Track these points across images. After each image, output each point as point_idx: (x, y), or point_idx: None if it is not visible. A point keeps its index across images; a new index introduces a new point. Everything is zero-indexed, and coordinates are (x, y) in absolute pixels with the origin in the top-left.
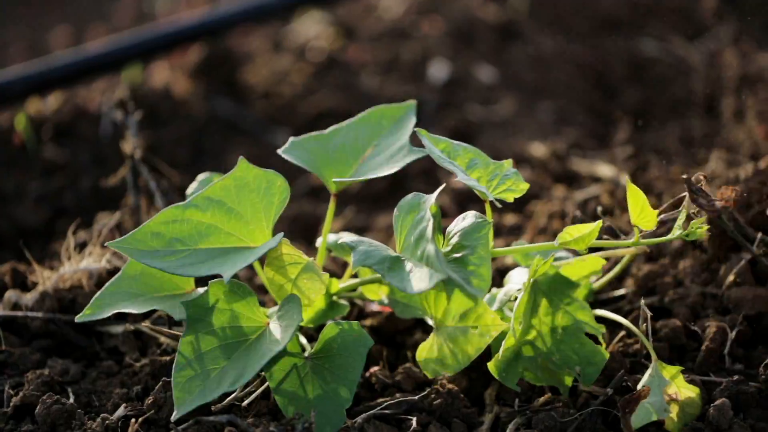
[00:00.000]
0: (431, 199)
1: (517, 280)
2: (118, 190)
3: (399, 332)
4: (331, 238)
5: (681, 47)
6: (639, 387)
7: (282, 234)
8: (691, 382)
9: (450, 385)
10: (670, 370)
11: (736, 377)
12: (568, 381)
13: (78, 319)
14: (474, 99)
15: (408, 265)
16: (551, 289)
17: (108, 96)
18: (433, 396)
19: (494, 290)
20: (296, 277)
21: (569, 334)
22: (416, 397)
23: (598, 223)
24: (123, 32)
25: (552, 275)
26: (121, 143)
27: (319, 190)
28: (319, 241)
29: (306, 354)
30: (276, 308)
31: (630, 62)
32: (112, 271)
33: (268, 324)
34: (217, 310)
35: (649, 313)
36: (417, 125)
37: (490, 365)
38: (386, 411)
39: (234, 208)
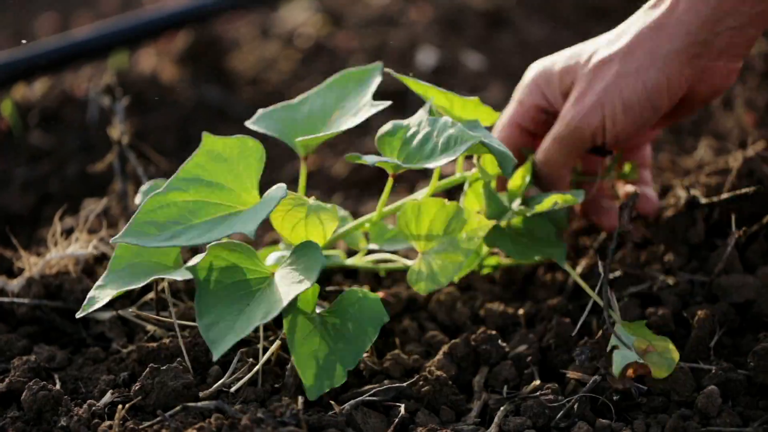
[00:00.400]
0: (423, 109)
1: None
2: (105, 176)
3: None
4: None
5: None
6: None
7: (284, 185)
8: (680, 369)
9: (438, 372)
10: (632, 327)
11: (725, 365)
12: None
13: (79, 315)
14: (462, 86)
15: (422, 158)
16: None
17: (95, 82)
18: (421, 383)
19: None
20: (306, 215)
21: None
22: (404, 384)
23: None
24: (109, 18)
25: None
26: (108, 129)
27: (309, 175)
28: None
29: (318, 311)
30: (278, 254)
31: None
32: (99, 257)
33: (274, 274)
34: (221, 268)
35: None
36: (405, 113)
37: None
38: (374, 398)
39: (213, 180)
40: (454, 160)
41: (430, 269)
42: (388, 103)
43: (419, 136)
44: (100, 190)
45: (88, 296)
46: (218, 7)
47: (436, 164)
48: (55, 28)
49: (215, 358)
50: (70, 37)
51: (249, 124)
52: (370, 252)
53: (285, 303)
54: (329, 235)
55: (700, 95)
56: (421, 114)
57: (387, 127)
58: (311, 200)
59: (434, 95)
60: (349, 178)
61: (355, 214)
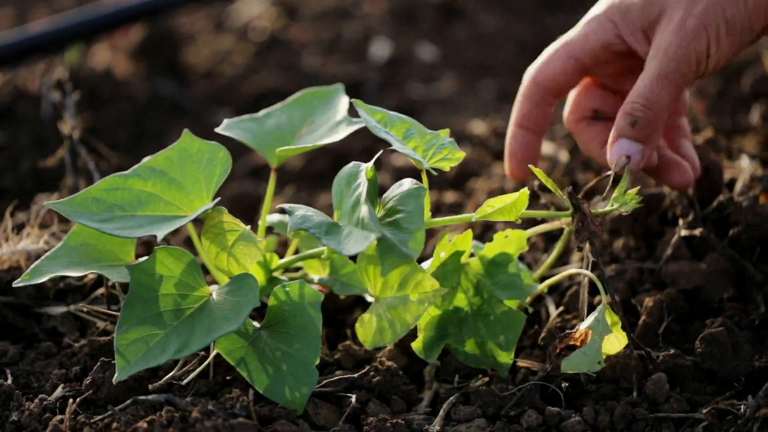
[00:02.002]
0: (368, 165)
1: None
2: (58, 171)
3: (339, 311)
4: (275, 217)
5: None
6: (582, 328)
7: (219, 199)
8: (628, 355)
9: (389, 363)
10: (613, 317)
11: (672, 351)
12: (506, 359)
13: (16, 284)
14: (416, 77)
15: (345, 230)
16: (482, 268)
17: (48, 77)
18: (372, 374)
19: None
20: (233, 244)
21: (493, 307)
22: (355, 375)
23: (524, 192)
24: (65, 13)
25: (480, 255)
26: (60, 124)
27: (261, 169)
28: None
29: (258, 326)
30: (223, 285)
31: None
32: None
33: (212, 295)
34: (161, 276)
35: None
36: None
37: (415, 345)
38: (326, 389)
39: (176, 178)
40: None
41: (380, 324)
42: (363, 123)
43: (356, 194)
44: (54, 185)
45: (33, 265)
46: (174, 0)
47: (344, 251)
48: (11, 23)
49: (117, 379)
50: (24, 31)
51: (219, 130)
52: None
53: (204, 344)
54: (249, 269)
55: None
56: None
57: (347, 169)
58: (247, 229)
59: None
60: (303, 171)
61: (309, 204)
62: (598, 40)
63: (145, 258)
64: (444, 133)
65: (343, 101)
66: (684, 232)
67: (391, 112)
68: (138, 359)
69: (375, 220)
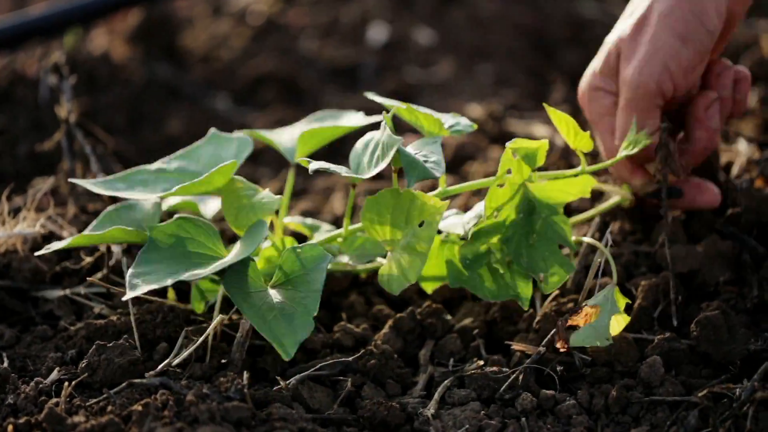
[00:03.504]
0: (389, 114)
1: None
2: (55, 156)
3: (334, 294)
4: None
5: (620, 8)
6: (591, 303)
7: (237, 161)
8: (623, 339)
9: (384, 346)
10: (622, 300)
11: (667, 334)
12: (527, 291)
13: (57, 247)
14: (413, 62)
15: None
16: (538, 196)
17: (46, 61)
18: (367, 357)
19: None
20: (253, 202)
21: (544, 240)
22: (350, 359)
23: (544, 142)
24: None
25: (542, 184)
26: (56, 108)
27: (259, 153)
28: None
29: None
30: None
31: (569, 23)
32: (47, 236)
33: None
34: (180, 237)
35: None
36: (356, 88)
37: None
38: (321, 372)
39: (198, 171)
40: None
41: (399, 268)
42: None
43: (372, 145)
44: (51, 169)
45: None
46: None
47: (369, 174)
48: (9, 7)
49: (128, 296)
50: (23, 15)
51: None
52: None
53: (213, 270)
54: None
55: (737, 14)
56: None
57: (363, 140)
58: (265, 191)
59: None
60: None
61: (304, 191)
62: (596, 106)
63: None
64: (456, 115)
65: (359, 113)
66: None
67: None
68: (149, 282)
69: (395, 138)
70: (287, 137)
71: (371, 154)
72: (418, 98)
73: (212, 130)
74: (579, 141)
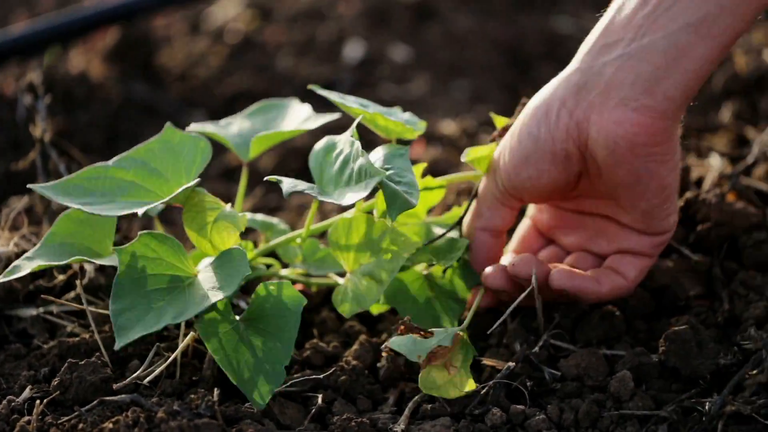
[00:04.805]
0: (350, 129)
1: None
2: (30, 175)
3: (306, 310)
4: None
5: (594, 23)
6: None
7: (200, 179)
8: (593, 355)
9: (355, 362)
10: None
11: (637, 349)
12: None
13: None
14: (388, 78)
15: (337, 190)
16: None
17: (23, 80)
18: (338, 373)
19: None
20: (214, 220)
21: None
22: (321, 376)
23: (494, 145)
24: (43, 16)
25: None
26: (32, 128)
27: (233, 170)
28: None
29: (238, 318)
30: (209, 260)
31: (545, 39)
32: (20, 255)
33: (197, 275)
34: (146, 257)
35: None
36: (332, 106)
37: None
38: (292, 389)
39: (156, 168)
40: None
41: (356, 290)
42: (337, 115)
43: (341, 158)
44: (26, 188)
45: (12, 264)
46: (151, 3)
47: (346, 202)
48: None
49: (118, 346)
50: (4, 34)
51: (190, 129)
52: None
53: (199, 309)
54: (229, 244)
55: (598, 144)
56: (348, 133)
57: (322, 143)
58: (227, 207)
59: (361, 114)
60: (274, 172)
61: (279, 208)
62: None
63: (131, 242)
64: (397, 108)
65: (305, 105)
66: None
67: (348, 96)
68: (136, 326)
69: (375, 166)
70: (235, 130)
71: (339, 171)
72: None
73: (168, 125)
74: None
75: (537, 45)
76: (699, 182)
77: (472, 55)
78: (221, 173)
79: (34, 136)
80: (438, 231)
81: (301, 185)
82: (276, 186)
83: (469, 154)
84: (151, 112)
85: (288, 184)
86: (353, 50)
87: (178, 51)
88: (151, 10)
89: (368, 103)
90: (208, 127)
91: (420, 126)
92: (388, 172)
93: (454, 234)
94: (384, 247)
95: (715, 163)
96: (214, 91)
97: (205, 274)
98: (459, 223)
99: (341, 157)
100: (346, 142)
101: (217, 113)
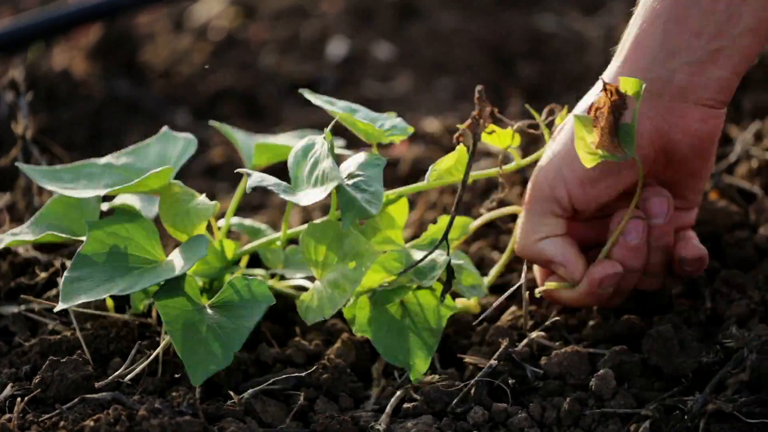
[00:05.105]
0: (326, 130)
1: None
2: (13, 172)
3: (289, 309)
4: (234, 219)
5: (578, 22)
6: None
7: (174, 166)
8: (575, 353)
9: (337, 360)
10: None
11: (619, 347)
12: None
13: None
14: (372, 76)
15: (304, 188)
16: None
17: (5, 78)
18: (320, 371)
19: None
20: (188, 208)
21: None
22: (303, 374)
23: (461, 148)
24: (26, 12)
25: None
26: (12, 124)
27: (217, 168)
28: (221, 222)
29: (205, 304)
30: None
31: (529, 37)
32: (2, 252)
33: (164, 261)
34: (118, 236)
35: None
36: (313, 107)
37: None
38: (274, 386)
39: (144, 167)
40: None
41: (320, 299)
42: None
43: (313, 159)
44: (9, 185)
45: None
46: (134, 0)
47: (306, 202)
48: None
49: (58, 308)
50: None
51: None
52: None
53: (149, 283)
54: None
55: (681, 144)
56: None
57: (302, 142)
58: (202, 197)
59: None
60: (268, 170)
61: (262, 206)
62: None
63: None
64: (390, 114)
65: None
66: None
67: (336, 100)
68: (83, 293)
69: (337, 170)
70: (252, 143)
71: (310, 171)
72: (376, 112)
73: (164, 128)
74: (502, 139)
75: (520, 43)
76: None
77: (456, 53)
78: (204, 170)
79: (15, 133)
80: (418, 255)
81: (268, 181)
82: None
83: (434, 170)
84: (134, 110)
85: (255, 178)
86: (337, 48)
87: (161, 48)
88: (134, 7)
89: (358, 108)
90: (232, 132)
91: (405, 131)
92: (356, 179)
93: (436, 254)
94: (350, 254)
95: None
96: (197, 88)
97: (170, 258)
98: (444, 239)
99: (313, 158)
100: (321, 138)
101: (200, 111)
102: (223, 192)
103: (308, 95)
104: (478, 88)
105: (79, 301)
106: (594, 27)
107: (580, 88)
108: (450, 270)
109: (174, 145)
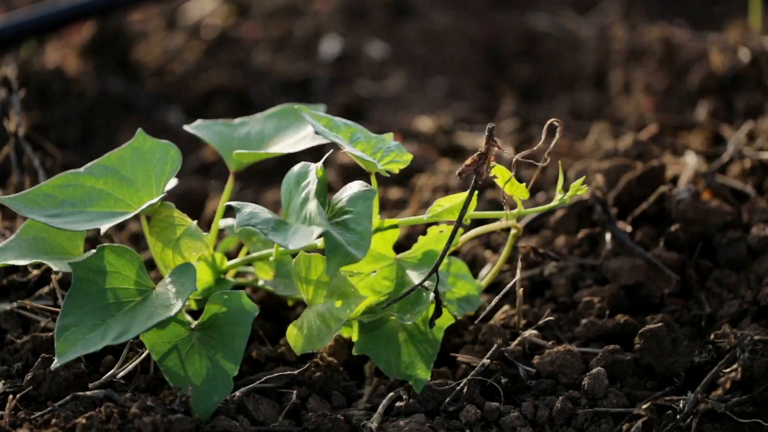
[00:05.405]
0: (318, 164)
1: None
2: (4, 169)
3: (282, 307)
4: (229, 221)
5: (572, 21)
6: None
7: (165, 194)
8: (568, 352)
9: (330, 359)
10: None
11: (612, 347)
12: (423, 374)
13: None
14: (365, 75)
15: (293, 227)
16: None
17: None
18: (313, 369)
19: None
20: (178, 238)
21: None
22: (296, 371)
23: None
24: (19, 10)
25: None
26: (5, 122)
27: (209, 166)
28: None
29: (192, 326)
30: (167, 276)
31: (522, 37)
32: None
33: (155, 288)
34: (104, 271)
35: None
36: (309, 102)
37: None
38: (267, 384)
39: (127, 176)
40: None
41: (309, 331)
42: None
43: (305, 192)
44: (2, 181)
45: None
46: None
47: (289, 246)
48: None
49: (56, 365)
50: None
51: (189, 128)
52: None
53: (143, 329)
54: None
55: None
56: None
57: (296, 169)
58: (193, 224)
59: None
60: (249, 168)
61: (256, 202)
62: None
63: (89, 254)
64: (388, 137)
65: (308, 125)
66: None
67: (336, 118)
68: (78, 345)
69: (323, 215)
70: (243, 132)
71: (300, 206)
72: (369, 111)
73: (139, 131)
74: (514, 190)
75: (514, 42)
76: (675, 180)
77: (449, 52)
78: (197, 168)
79: (8, 130)
80: (409, 272)
81: (256, 219)
82: (252, 180)
83: (434, 208)
84: (126, 107)
85: (243, 216)
86: (330, 46)
87: (154, 46)
88: (127, 5)
89: (358, 128)
90: (215, 127)
91: (403, 160)
92: (344, 216)
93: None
94: (337, 293)
95: (691, 162)
96: (190, 86)
97: (159, 289)
98: (434, 271)
99: (305, 192)
100: (312, 173)
101: (192, 108)
102: (216, 190)
103: (308, 117)
104: (489, 125)
105: (74, 356)
106: (587, 26)
107: (573, 88)
108: (438, 302)
109: (154, 154)
